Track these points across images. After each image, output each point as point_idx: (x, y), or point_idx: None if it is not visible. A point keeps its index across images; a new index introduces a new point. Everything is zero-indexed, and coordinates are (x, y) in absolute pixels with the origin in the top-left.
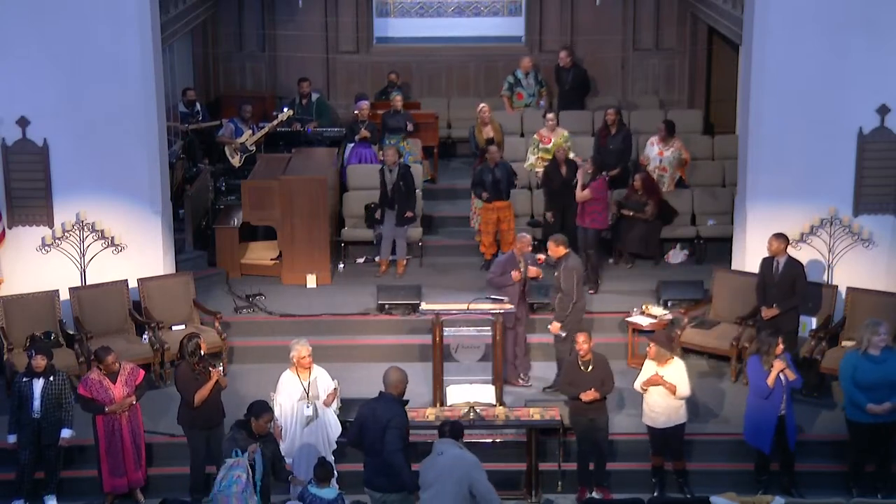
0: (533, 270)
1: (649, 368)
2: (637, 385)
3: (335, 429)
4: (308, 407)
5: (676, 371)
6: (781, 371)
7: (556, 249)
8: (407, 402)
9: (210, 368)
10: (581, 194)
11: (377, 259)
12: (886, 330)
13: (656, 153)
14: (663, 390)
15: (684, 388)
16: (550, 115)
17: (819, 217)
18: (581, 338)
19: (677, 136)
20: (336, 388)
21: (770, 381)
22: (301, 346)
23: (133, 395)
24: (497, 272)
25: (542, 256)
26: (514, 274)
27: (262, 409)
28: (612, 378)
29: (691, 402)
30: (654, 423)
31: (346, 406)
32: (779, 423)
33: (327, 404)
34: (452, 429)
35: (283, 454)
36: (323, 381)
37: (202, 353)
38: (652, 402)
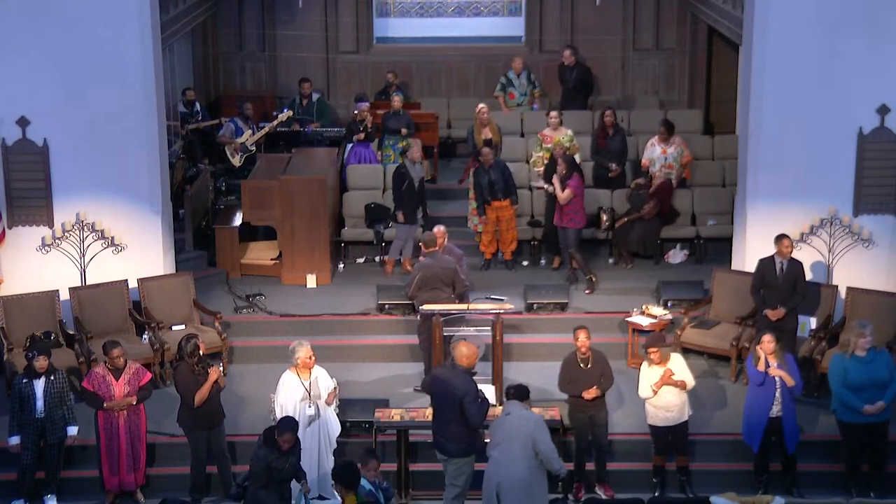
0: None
1: (654, 371)
2: (647, 391)
3: (335, 428)
4: (310, 406)
5: (680, 365)
6: (778, 375)
7: (424, 249)
8: (475, 373)
9: (208, 369)
10: (562, 196)
11: (379, 259)
12: (871, 331)
13: (659, 152)
14: (675, 388)
15: (691, 379)
16: (553, 113)
17: (819, 217)
18: (582, 335)
19: (677, 133)
20: (336, 387)
21: (759, 366)
22: (305, 347)
23: (134, 395)
24: None
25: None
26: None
27: (287, 426)
28: (610, 373)
29: (691, 401)
30: (665, 422)
31: (344, 406)
32: (777, 425)
33: (329, 403)
34: (518, 391)
35: None
36: (323, 380)
37: (201, 353)
38: (666, 402)
